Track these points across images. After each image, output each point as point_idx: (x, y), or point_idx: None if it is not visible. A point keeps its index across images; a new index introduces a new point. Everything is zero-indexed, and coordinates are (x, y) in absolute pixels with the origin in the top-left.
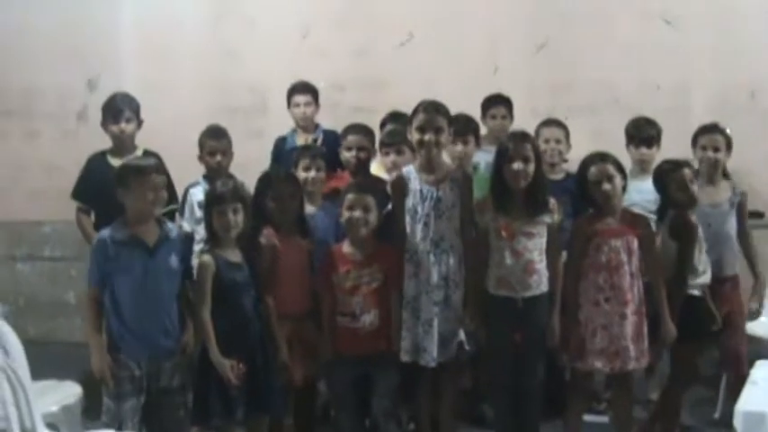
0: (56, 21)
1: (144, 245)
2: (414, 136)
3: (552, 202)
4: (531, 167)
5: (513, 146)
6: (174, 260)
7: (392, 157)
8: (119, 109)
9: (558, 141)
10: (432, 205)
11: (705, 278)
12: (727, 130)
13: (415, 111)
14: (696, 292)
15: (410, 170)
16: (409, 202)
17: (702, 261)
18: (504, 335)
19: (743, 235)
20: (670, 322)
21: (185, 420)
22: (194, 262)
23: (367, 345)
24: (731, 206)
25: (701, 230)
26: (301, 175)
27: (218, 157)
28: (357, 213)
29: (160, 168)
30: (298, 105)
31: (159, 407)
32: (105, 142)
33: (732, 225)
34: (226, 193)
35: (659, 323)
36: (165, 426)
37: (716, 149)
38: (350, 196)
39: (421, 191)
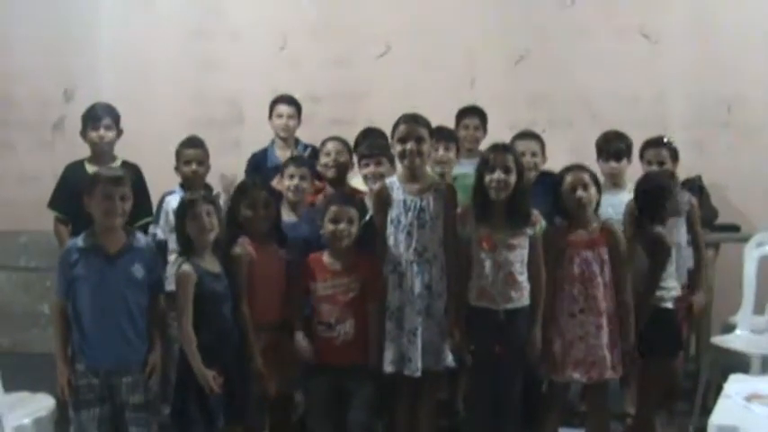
0: (33, 31)
1: (104, 252)
2: (395, 147)
3: (535, 213)
4: (513, 178)
5: (494, 156)
6: (137, 269)
7: (371, 168)
8: (98, 116)
9: (533, 154)
10: (415, 215)
11: (676, 291)
12: (673, 143)
13: (397, 123)
14: (669, 305)
15: (393, 181)
16: (393, 212)
17: (673, 274)
18: (485, 347)
19: (694, 244)
20: (632, 335)
21: None
22: (170, 270)
23: (343, 356)
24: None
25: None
26: (285, 182)
27: (194, 166)
28: (342, 226)
29: (123, 179)
30: (281, 116)
31: (121, 421)
32: (81, 153)
33: (682, 234)
34: (197, 197)
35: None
36: None
37: (661, 163)
38: (334, 209)
39: (404, 201)
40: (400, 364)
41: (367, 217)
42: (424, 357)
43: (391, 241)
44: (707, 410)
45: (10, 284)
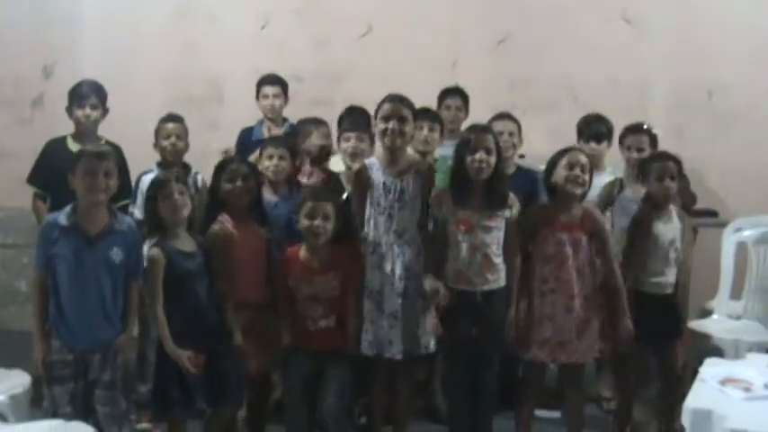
0: (13, 7)
1: (84, 234)
2: (378, 126)
3: (511, 197)
4: (493, 159)
5: (474, 137)
6: (116, 253)
7: (353, 142)
8: (85, 94)
9: (510, 134)
10: (395, 197)
11: (671, 276)
12: (653, 129)
13: (382, 102)
14: (670, 291)
15: (373, 162)
16: (372, 194)
17: (672, 261)
18: (462, 329)
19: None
20: (626, 320)
21: (116, 416)
22: (146, 250)
23: (323, 341)
24: None
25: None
26: (265, 163)
27: (173, 139)
28: (317, 222)
29: (107, 155)
30: (266, 97)
31: (91, 399)
32: (61, 130)
33: None
34: (168, 175)
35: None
36: (100, 419)
37: (640, 150)
38: (309, 204)
39: (384, 183)
40: (380, 347)
41: (344, 195)
42: (403, 340)
43: (371, 223)
44: (683, 394)
45: None
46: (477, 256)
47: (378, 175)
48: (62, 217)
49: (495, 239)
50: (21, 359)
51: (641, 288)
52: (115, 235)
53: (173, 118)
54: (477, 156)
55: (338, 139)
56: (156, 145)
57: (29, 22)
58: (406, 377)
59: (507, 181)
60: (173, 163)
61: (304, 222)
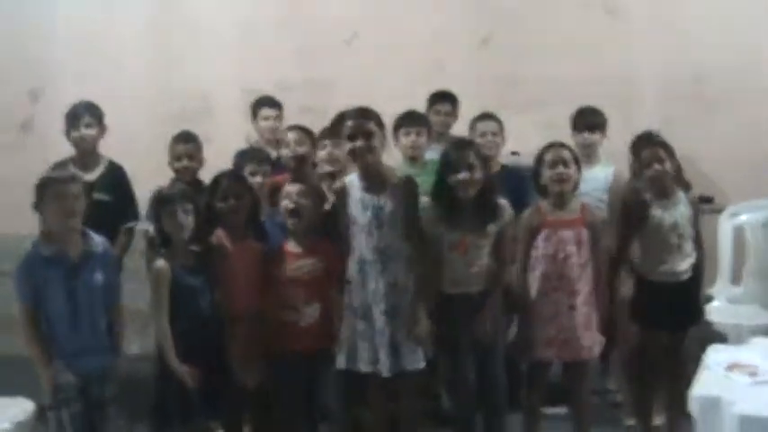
0: None
1: (67, 262)
2: (345, 146)
3: (503, 204)
4: (478, 174)
5: (456, 155)
6: (98, 276)
7: (329, 149)
8: (78, 114)
9: (494, 134)
10: (373, 214)
11: (680, 264)
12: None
13: (342, 119)
14: (683, 278)
15: (352, 179)
16: (351, 210)
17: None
18: (461, 330)
19: None
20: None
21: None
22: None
23: (308, 342)
24: None
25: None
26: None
27: (185, 162)
28: (293, 200)
29: (74, 179)
30: (267, 119)
31: (95, 419)
32: (51, 153)
33: None
34: (175, 193)
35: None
36: None
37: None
38: (288, 186)
39: (362, 200)
40: (373, 365)
41: (327, 206)
42: (399, 358)
43: (353, 240)
44: (687, 381)
45: None
46: (474, 269)
47: (356, 193)
48: (41, 248)
49: (489, 254)
50: (21, 385)
51: (650, 277)
52: (95, 258)
53: (184, 138)
54: (461, 176)
55: (317, 143)
56: (170, 164)
57: (11, 48)
58: (408, 396)
59: (496, 189)
60: (189, 181)
61: (284, 203)
